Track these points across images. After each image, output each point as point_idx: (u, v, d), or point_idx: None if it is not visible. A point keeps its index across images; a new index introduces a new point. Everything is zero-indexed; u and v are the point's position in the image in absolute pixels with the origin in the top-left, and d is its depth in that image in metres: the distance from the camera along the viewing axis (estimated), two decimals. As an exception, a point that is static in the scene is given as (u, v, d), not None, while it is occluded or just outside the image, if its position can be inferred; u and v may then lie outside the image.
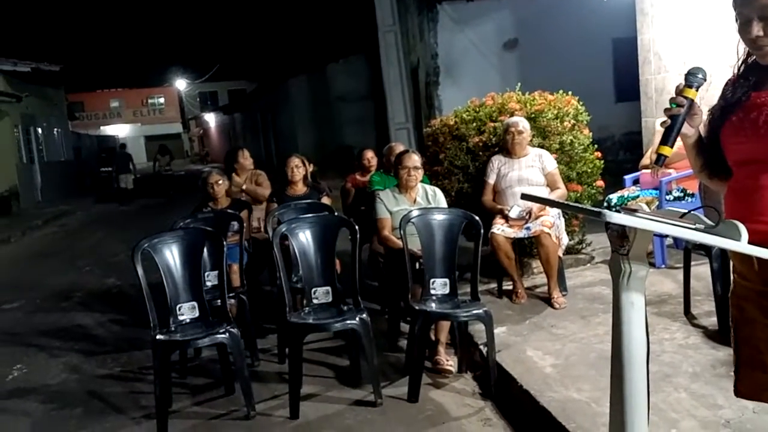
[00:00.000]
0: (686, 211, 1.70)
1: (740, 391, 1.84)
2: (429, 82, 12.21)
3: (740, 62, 1.75)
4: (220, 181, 5.00)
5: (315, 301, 3.68)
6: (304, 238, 3.74)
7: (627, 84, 7.00)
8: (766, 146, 1.63)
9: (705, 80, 1.72)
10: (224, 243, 3.66)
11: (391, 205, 4.37)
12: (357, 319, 3.44)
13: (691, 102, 1.73)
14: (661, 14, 5.47)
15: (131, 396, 3.90)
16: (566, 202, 3.87)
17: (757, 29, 1.61)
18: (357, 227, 3.75)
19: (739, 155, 1.72)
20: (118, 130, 42.68)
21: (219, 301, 3.76)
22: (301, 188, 5.19)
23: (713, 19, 4.84)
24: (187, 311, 3.54)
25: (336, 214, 4.61)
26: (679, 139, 1.77)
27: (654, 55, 5.64)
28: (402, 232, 3.83)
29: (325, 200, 5.17)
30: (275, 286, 4.57)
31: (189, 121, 46.85)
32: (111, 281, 7.23)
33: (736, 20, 1.67)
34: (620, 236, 1.71)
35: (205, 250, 3.84)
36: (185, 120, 47.48)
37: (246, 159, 5.67)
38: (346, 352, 4.03)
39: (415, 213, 3.89)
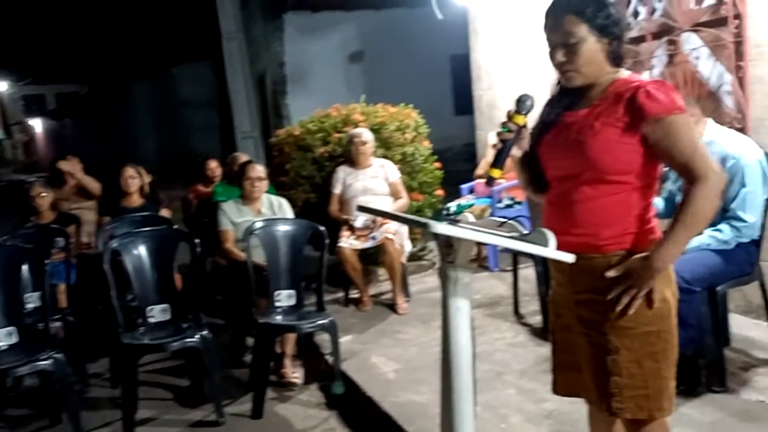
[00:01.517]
0: (504, 220, 1.82)
1: (558, 390, 2.00)
2: (276, 91, 12.12)
3: (555, 83, 1.90)
4: (44, 194, 4.61)
5: (151, 320, 3.50)
6: (139, 253, 3.55)
7: (464, 98, 7.38)
8: (576, 163, 1.77)
9: (533, 106, 1.83)
10: (46, 261, 3.37)
11: (234, 217, 4.28)
12: (197, 336, 3.31)
13: (520, 128, 1.84)
14: (490, 34, 5.84)
15: (-64, 436, 3.47)
16: (398, 213, 3.99)
17: (560, 55, 1.76)
18: (197, 240, 3.62)
19: (554, 171, 1.86)
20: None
21: (42, 324, 3.46)
22: (136, 200, 4.93)
23: (536, 40, 5.25)
24: (4, 337, 3.22)
25: (175, 226, 4.42)
26: None
27: (485, 72, 6.01)
28: (245, 244, 3.77)
29: (164, 212, 4.95)
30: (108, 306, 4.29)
31: (12, 126, 42.66)
32: None
33: None
34: (446, 245, 1.80)
35: (26, 268, 3.52)
36: (7, 125, 43.17)
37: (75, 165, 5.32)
38: (186, 371, 3.87)
39: (258, 224, 3.84)
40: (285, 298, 3.73)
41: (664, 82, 1.77)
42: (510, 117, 1.83)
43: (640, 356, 1.75)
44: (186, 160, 15.11)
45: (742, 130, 3.43)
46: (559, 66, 1.79)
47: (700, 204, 1.68)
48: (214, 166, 5.85)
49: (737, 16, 3.50)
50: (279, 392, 3.65)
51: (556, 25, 1.76)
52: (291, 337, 3.83)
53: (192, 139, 16.33)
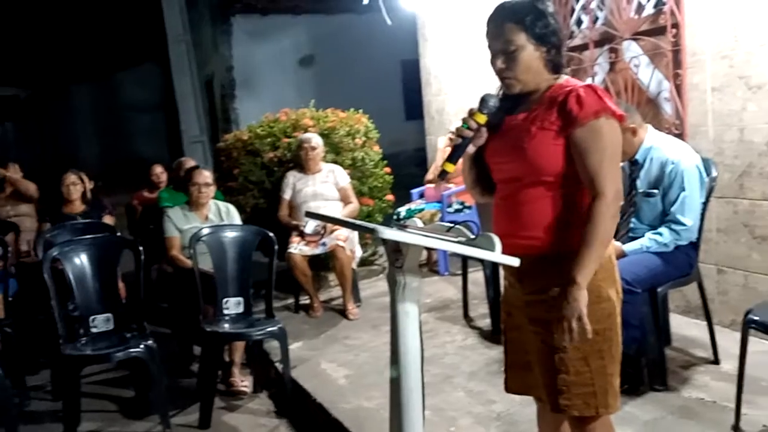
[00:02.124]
0: (452, 225, 1.83)
1: (510, 388, 2.03)
2: (225, 94, 11.96)
3: (499, 88, 1.93)
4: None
5: (94, 330, 3.38)
6: (81, 261, 3.44)
7: (415, 103, 7.43)
8: (519, 166, 1.80)
9: (496, 107, 1.84)
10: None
11: (180, 223, 4.19)
12: (142, 346, 3.23)
13: (480, 126, 1.85)
14: (439, 40, 5.90)
15: None
16: (346, 219, 3.97)
17: (500, 62, 1.80)
18: (141, 248, 3.53)
19: (500, 174, 1.89)
20: None
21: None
22: (78, 207, 4.78)
23: (483, 47, 5.33)
24: (-65, 351, 3.07)
25: (119, 234, 4.31)
26: None
27: (434, 77, 6.06)
28: (192, 251, 3.69)
29: (108, 219, 4.81)
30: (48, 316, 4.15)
31: (-53, 129, 40.88)
32: None
33: None
34: (395, 250, 1.80)
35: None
36: (-58, 128, 41.34)
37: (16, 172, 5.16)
38: (131, 382, 3.77)
39: (205, 231, 3.77)
40: (233, 305, 3.67)
41: (595, 86, 1.81)
42: (471, 114, 1.85)
43: (587, 354, 1.78)
44: (131, 165, 14.74)
45: (680, 135, 3.55)
46: (498, 73, 1.83)
47: (597, 220, 1.71)
48: (159, 172, 5.74)
49: (675, 26, 3.62)
50: (227, 401, 3.58)
51: (496, 33, 1.80)
52: (239, 345, 3.77)
53: (138, 143, 15.96)
